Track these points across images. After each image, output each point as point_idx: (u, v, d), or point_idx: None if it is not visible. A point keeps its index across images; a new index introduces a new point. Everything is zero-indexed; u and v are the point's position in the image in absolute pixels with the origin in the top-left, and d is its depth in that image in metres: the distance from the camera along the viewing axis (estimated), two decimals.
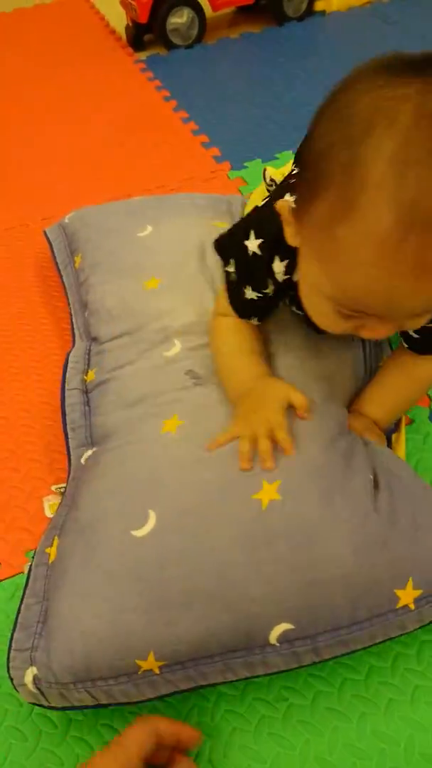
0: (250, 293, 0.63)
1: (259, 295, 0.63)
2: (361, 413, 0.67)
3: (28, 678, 0.52)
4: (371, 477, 0.58)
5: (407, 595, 0.54)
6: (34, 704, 0.54)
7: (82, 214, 0.92)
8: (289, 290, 0.62)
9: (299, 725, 0.55)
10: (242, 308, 0.65)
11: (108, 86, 1.48)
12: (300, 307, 0.63)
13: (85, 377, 0.73)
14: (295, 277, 0.59)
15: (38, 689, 0.52)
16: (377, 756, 0.53)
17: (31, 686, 0.52)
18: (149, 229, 0.81)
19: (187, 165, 1.20)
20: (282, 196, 0.59)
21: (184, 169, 1.18)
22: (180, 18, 1.55)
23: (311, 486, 0.55)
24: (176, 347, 0.69)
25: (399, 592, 0.53)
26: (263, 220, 0.60)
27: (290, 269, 0.59)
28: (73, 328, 0.82)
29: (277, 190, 0.65)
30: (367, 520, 0.54)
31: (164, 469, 0.59)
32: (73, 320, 0.83)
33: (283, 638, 0.53)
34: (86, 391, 0.72)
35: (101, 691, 0.52)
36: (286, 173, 0.79)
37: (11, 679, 0.53)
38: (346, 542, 0.53)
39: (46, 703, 0.53)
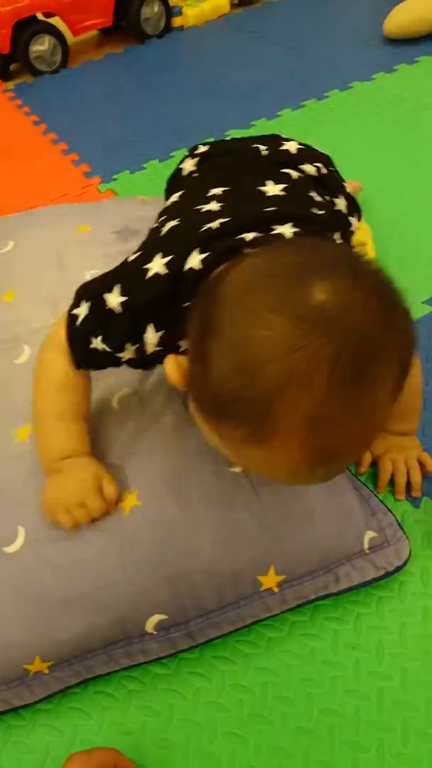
0: (97, 343, 0.55)
1: (109, 350, 0.55)
2: (385, 431, 0.69)
3: None
4: (237, 472, 0.61)
5: (269, 580, 0.59)
6: None
7: None
8: (157, 362, 0.55)
9: (163, 693, 0.59)
10: (83, 356, 0.57)
11: None
12: None
13: None
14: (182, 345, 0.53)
15: None
16: (235, 707, 0.58)
17: None
18: (11, 244, 0.85)
19: (58, 184, 1.24)
20: (150, 258, 0.54)
21: (55, 188, 1.23)
22: (42, 45, 1.60)
23: (167, 489, 0.60)
24: (25, 354, 0.72)
25: (261, 578, 0.59)
26: (135, 283, 0.53)
27: (167, 343, 0.53)
28: None
29: (145, 247, 0.57)
30: (227, 516, 0.59)
31: (25, 484, 0.62)
32: None
33: (159, 626, 0.58)
34: None
35: None
36: None
37: None
38: (204, 537, 0.58)
39: None
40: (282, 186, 0.61)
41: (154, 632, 0.58)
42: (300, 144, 0.74)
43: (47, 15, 1.60)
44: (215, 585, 0.58)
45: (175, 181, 0.77)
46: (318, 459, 0.41)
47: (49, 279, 0.78)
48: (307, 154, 0.73)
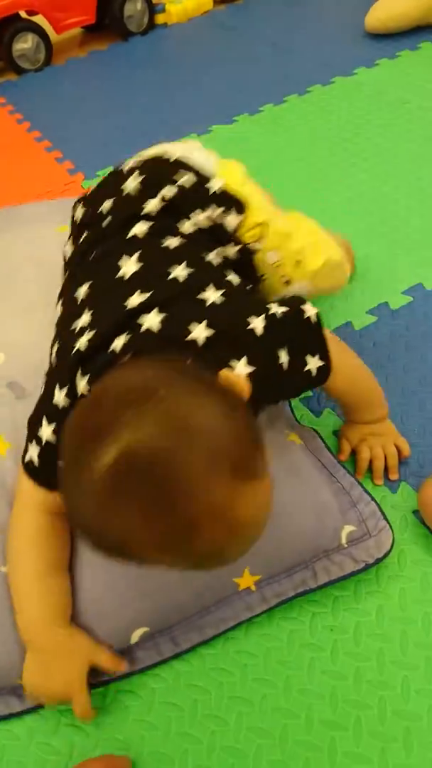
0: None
1: None
2: (356, 423, 0.71)
3: None
4: None
5: (246, 581, 0.61)
6: None
7: None
8: None
9: (144, 677, 0.60)
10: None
11: None
12: None
13: None
14: None
15: None
16: (216, 690, 0.59)
17: None
18: None
19: (41, 181, 1.25)
20: (53, 390, 0.57)
21: (38, 185, 1.23)
22: (25, 43, 1.60)
23: None
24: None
25: (237, 580, 0.60)
26: (55, 414, 0.56)
27: None
28: None
29: (46, 380, 0.60)
30: None
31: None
32: None
33: (143, 637, 0.59)
34: None
35: None
36: None
37: None
38: None
39: None
40: (136, 256, 0.60)
41: (139, 640, 0.59)
42: (142, 172, 0.68)
43: (30, 13, 1.60)
44: (193, 591, 0.59)
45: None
46: (205, 561, 0.46)
47: (25, 282, 0.78)
48: (151, 180, 0.67)
